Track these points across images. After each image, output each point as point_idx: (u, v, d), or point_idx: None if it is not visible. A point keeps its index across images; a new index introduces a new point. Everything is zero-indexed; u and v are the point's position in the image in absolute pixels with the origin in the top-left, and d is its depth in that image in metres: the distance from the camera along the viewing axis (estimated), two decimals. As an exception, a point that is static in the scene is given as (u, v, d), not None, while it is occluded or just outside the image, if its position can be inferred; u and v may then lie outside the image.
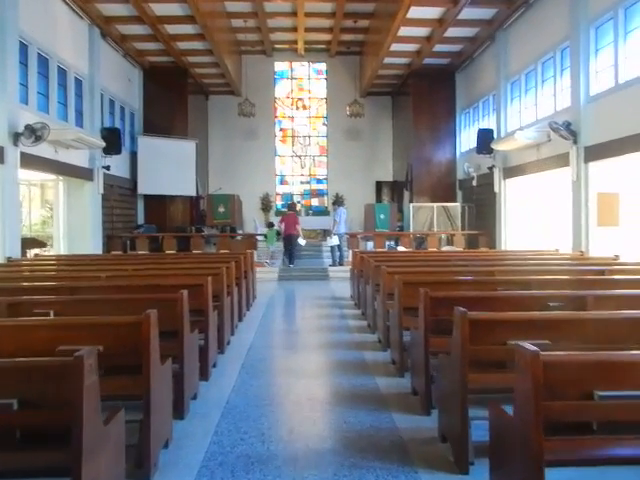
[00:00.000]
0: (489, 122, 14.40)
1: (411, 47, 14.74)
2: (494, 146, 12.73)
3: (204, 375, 4.68)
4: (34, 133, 9.01)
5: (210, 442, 3.44)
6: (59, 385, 2.17)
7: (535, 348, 2.14)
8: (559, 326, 2.98)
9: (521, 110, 12.57)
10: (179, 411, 3.82)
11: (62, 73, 11.42)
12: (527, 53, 12.14)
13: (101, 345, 3.05)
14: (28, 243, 9.56)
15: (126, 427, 2.92)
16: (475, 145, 14.54)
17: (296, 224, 13.53)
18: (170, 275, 5.80)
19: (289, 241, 13.50)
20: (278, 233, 14.29)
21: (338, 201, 15.50)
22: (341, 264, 13.52)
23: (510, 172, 12.93)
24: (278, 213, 19.73)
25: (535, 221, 12.56)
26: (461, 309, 3.00)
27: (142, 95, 16.25)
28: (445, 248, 13.98)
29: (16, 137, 8.94)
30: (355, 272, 9.02)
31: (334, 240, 13.54)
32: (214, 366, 5.08)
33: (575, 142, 9.32)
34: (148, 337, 3.06)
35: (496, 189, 13.36)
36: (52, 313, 4.13)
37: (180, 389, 3.81)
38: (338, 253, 13.68)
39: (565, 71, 10.47)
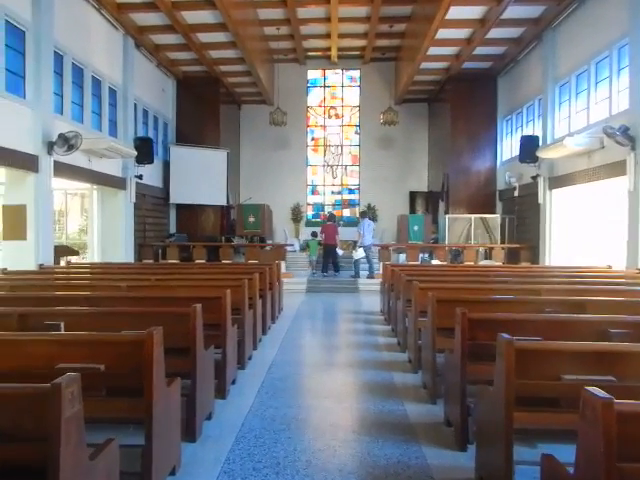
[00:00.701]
0: (534, 129, 13.72)
1: (450, 50, 14.28)
2: (540, 154, 12.08)
3: (221, 393, 4.39)
4: (67, 142, 9.02)
5: (220, 471, 3.15)
6: (35, 415, 1.93)
7: (607, 396, 1.75)
8: (625, 359, 2.53)
9: (570, 115, 11.89)
10: (190, 433, 3.54)
11: (96, 83, 11.49)
12: (578, 53, 11.44)
13: (102, 364, 2.85)
14: (61, 251, 9.57)
15: (132, 452, 2.71)
16: (517, 153, 13.93)
17: (336, 234, 13.70)
18: (191, 286, 5.56)
19: (328, 251, 13.68)
20: (319, 243, 14.46)
21: (364, 213, 15.18)
22: (371, 277, 13.18)
23: (556, 182, 12.24)
24: (309, 223, 19.51)
25: (583, 235, 11.82)
26: (506, 336, 2.61)
27: (175, 105, 16.32)
28: (483, 262, 13.38)
29: (50, 146, 8.97)
30: (386, 286, 8.62)
31: (359, 253, 13.40)
32: (233, 383, 4.79)
33: (633, 148, 8.66)
34: (151, 357, 2.80)
35: (540, 200, 12.65)
36: (62, 325, 3.94)
37: (192, 410, 3.53)
38: (362, 265, 13.47)
39: (623, 71, 9.78)
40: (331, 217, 14.74)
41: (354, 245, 14.72)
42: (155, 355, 2.81)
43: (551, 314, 3.98)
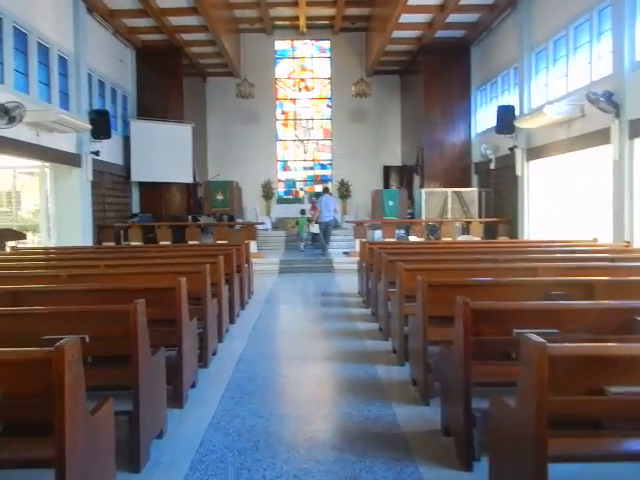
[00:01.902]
0: (510, 99, 13.23)
1: (422, 18, 13.61)
2: (517, 124, 11.60)
3: (178, 402, 3.76)
4: (7, 113, 8.09)
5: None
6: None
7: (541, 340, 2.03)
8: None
9: (548, 83, 11.41)
10: (134, 460, 2.90)
11: (44, 50, 10.44)
12: (556, 18, 10.92)
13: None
14: (5, 235, 8.66)
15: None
16: (493, 125, 13.44)
17: (333, 208, 13.89)
18: (144, 274, 4.86)
19: (328, 225, 13.85)
20: (309, 220, 14.73)
21: (325, 189, 14.89)
22: (322, 254, 13.26)
23: (534, 153, 11.81)
24: (280, 201, 18.79)
25: (563, 208, 11.47)
26: (536, 340, 2.04)
27: (135, 77, 15.23)
28: (461, 238, 12.96)
29: (-13, 118, 8.03)
30: (363, 265, 8.05)
31: (314, 228, 13.75)
32: (193, 386, 4.15)
33: (617, 115, 8.19)
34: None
35: (518, 172, 12.24)
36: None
37: (135, 433, 2.88)
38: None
39: (604, 35, 9.30)
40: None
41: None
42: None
43: (564, 301, 3.44)
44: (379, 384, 4.34)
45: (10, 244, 8.42)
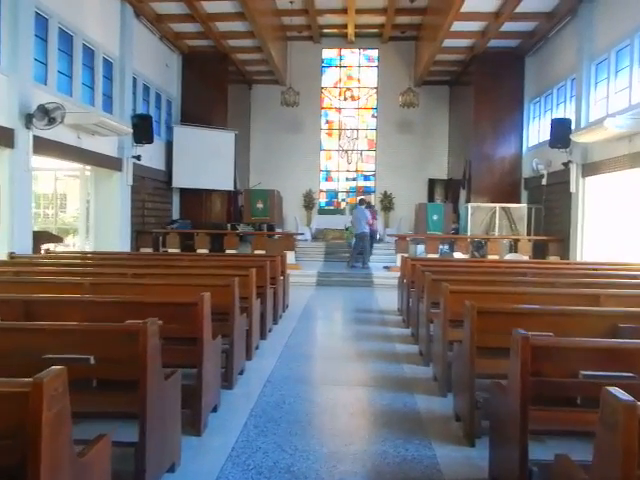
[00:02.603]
0: (565, 111, 12.54)
1: (475, 26, 13.07)
2: (574, 138, 10.89)
3: (196, 428, 3.40)
4: (47, 114, 8.05)
5: None
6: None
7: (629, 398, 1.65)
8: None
9: (609, 95, 10.69)
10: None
11: (89, 53, 10.49)
12: (619, 26, 10.22)
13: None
14: (42, 237, 8.62)
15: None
16: (546, 139, 12.77)
17: (373, 218, 13.91)
18: (167, 285, 4.56)
19: (362, 237, 13.41)
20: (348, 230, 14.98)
21: (361, 201, 14.19)
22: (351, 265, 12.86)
23: (591, 169, 11.06)
24: (321, 211, 18.46)
25: (622, 228, 10.64)
26: (623, 397, 1.57)
27: (180, 82, 15.29)
28: (509, 256, 12.23)
29: (28, 118, 8.00)
30: (404, 282, 7.56)
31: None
32: (214, 410, 3.80)
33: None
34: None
35: (572, 188, 11.50)
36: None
37: (141, 468, 2.53)
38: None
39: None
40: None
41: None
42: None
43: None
44: (418, 417, 3.86)
45: (45, 247, 8.35)
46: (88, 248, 11.20)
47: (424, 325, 5.41)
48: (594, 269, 7.23)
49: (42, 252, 8.14)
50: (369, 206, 15.08)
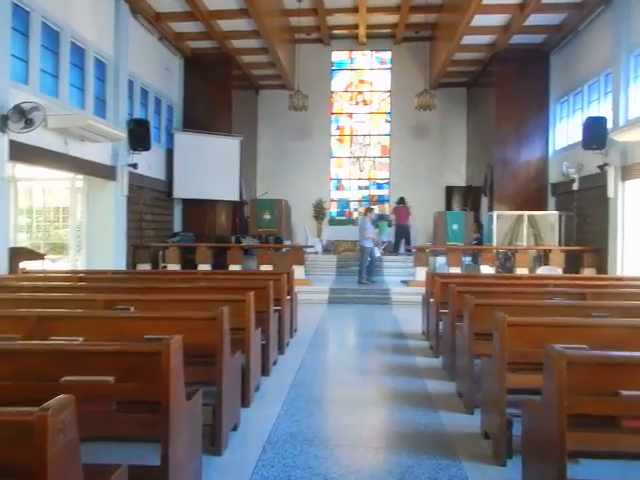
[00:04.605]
0: (599, 110, 11.46)
1: (498, 20, 12.07)
2: (615, 136, 9.78)
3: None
4: (24, 115, 7.14)
5: None
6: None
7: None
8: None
9: (654, 88, 9.65)
10: None
11: (78, 52, 9.59)
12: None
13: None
14: (19, 255, 7.66)
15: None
16: (576, 140, 11.76)
17: (409, 215, 14.64)
18: (142, 319, 3.53)
19: (401, 231, 14.54)
20: (389, 225, 15.65)
21: (368, 209, 12.97)
22: (361, 282, 11.60)
23: (632, 171, 9.95)
24: (332, 222, 17.40)
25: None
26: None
27: (182, 87, 14.41)
28: (541, 269, 11.08)
29: (3, 121, 7.10)
30: (432, 302, 6.48)
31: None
32: (192, 495, 2.77)
33: None
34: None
35: (610, 193, 10.37)
36: None
37: None
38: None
39: None
40: (401, 200, 15.19)
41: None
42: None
43: None
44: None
45: (23, 265, 7.39)
46: (80, 265, 10.29)
47: (464, 356, 4.34)
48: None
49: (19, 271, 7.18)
50: (402, 202, 15.13)
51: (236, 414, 3.77)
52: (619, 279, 7.13)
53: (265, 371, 5.07)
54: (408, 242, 14.29)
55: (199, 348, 3.38)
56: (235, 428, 3.71)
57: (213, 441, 3.32)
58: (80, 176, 10.12)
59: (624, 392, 2.42)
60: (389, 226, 15.63)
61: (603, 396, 2.45)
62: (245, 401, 4.16)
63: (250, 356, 4.28)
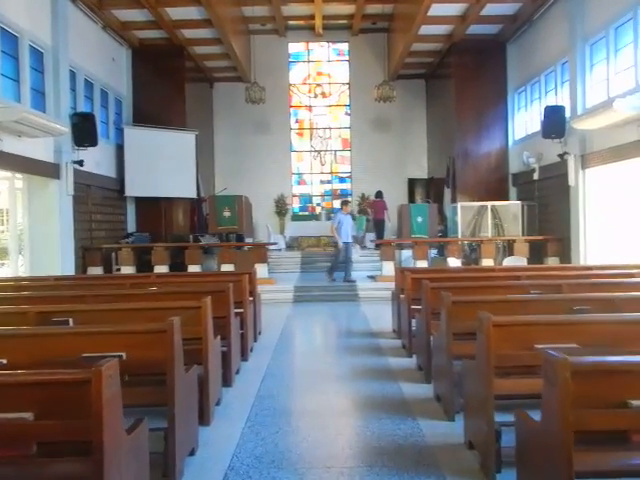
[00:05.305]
0: (556, 99, 11.46)
1: (455, 9, 11.92)
2: (575, 125, 9.74)
3: None
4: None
5: None
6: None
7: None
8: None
9: (609, 77, 9.63)
10: None
11: (10, 40, 8.81)
12: (616, 1, 9.23)
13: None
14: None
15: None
16: (535, 130, 11.77)
17: (385, 209, 14.20)
18: (83, 336, 3.04)
19: (379, 225, 14.24)
20: (367, 220, 15.69)
21: (345, 202, 12.50)
22: (347, 280, 10.97)
23: (592, 159, 9.95)
24: (295, 218, 16.99)
25: (630, 223, 9.55)
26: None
27: (132, 79, 13.66)
28: (507, 260, 10.98)
29: None
30: (403, 298, 6.15)
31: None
32: None
33: None
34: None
35: (571, 182, 10.36)
36: None
37: None
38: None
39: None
40: (378, 194, 14.74)
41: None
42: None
43: None
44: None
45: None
46: (23, 271, 9.54)
47: (443, 363, 4.01)
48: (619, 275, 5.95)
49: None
50: (379, 196, 14.61)
51: (193, 437, 3.32)
52: (588, 268, 6.97)
53: (227, 381, 4.62)
54: (380, 236, 14.02)
55: (147, 365, 2.94)
56: (192, 453, 3.26)
57: (166, 471, 2.87)
58: (19, 175, 9.37)
59: (634, 402, 2.15)
60: (367, 220, 15.58)
61: (611, 409, 2.17)
62: (204, 419, 3.71)
63: (209, 368, 3.84)
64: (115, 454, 2.08)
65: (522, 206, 12.54)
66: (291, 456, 3.27)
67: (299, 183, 17.60)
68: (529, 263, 10.80)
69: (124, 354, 2.89)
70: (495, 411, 2.96)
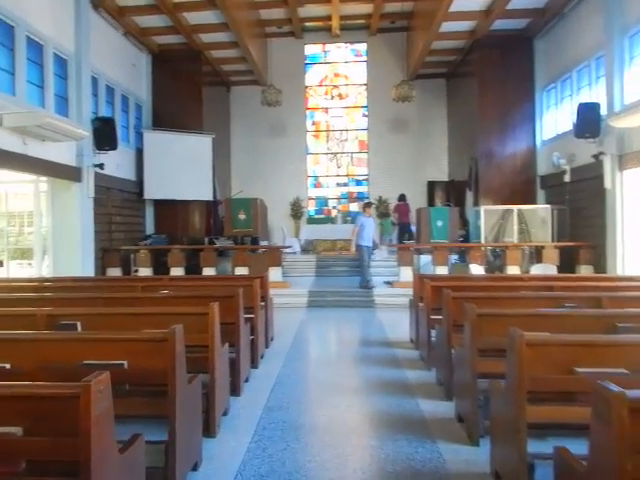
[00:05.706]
0: (590, 96, 10.83)
1: (478, 4, 11.57)
2: (612, 123, 9.08)
3: None
4: (-34, 113, 6.48)
5: None
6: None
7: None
8: None
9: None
10: None
11: (36, 47, 8.95)
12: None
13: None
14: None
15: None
16: (566, 130, 11.18)
17: (409, 212, 14.42)
18: (85, 342, 2.96)
19: (405, 229, 14.39)
20: (393, 223, 15.64)
21: (368, 204, 12.22)
22: (365, 287, 10.63)
23: (631, 160, 9.22)
24: (310, 221, 16.86)
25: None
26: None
27: (151, 84, 13.73)
28: (535, 268, 10.49)
29: (-57, 119, 6.44)
30: (422, 307, 5.93)
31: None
32: None
33: None
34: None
35: (607, 184, 9.59)
36: None
37: None
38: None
39: None
40: (402, 197, 14.98)
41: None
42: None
43: None
44: None
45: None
46: (47, 271, 9.65)
47: (467, 381, 3.75)
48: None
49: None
50: (402, 199, 14.92)
51: (196, 450, 3.21)
52: (630, 279, 6.37)
53: (235, 390, 4.51)
54: (408, 239, 13.70)
55: (148, 375, 2.83)
56: (195, 467, 3.14)
57: (166, 487, 2.76)
58: (44, 178, 9.51)
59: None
60: (393, 224, 15.59)
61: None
62: (210, 430, 3.60)
63: (215, 377, 3.72)
64: (105, 474, 1.97)
65: (552, 210, 11.96)
66: (299, 477, 3.10)
67: (315, 186, 17.46)
68: (559, 272, 10.24)
69: (126, 362, 2.80)
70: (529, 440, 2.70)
